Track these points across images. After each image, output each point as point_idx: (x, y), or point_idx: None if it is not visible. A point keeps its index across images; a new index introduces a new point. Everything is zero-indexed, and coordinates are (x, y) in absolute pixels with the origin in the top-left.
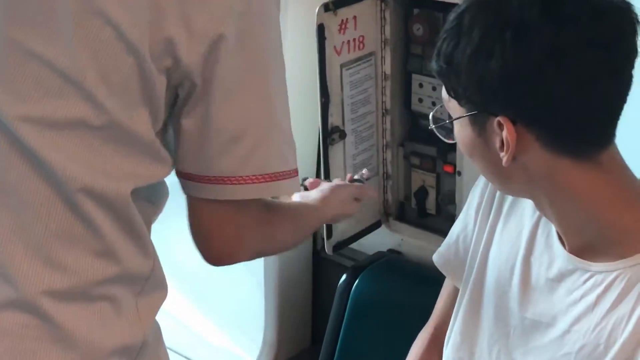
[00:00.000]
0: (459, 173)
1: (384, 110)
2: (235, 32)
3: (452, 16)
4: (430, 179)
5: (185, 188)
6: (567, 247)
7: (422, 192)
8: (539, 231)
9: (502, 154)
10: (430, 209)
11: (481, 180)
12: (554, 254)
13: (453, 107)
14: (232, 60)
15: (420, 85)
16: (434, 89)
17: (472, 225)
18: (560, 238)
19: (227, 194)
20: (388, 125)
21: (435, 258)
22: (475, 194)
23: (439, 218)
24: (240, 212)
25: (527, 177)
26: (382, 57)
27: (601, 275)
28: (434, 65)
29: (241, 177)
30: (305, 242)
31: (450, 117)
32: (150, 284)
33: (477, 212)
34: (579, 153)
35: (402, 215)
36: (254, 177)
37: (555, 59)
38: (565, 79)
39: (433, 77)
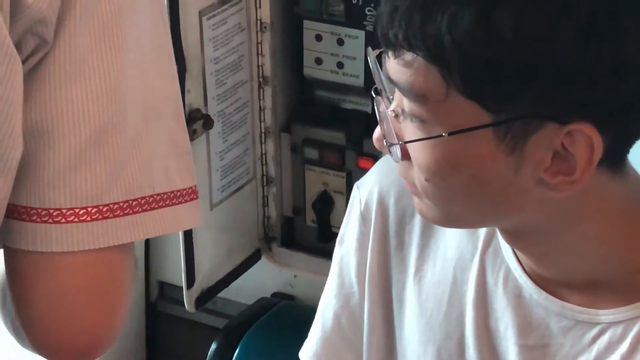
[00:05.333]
0: None
1: (260, 79)
2: None
3: None
4: (336, 181)
5: None
6: (552, 292)
7: (324, 202)
8: (489, 276)
9: (555, 179)
10: (337, 226)
11: (352, 222)
12: (527, 307)
13: (450, 109)
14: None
15: (318, 38)
16: (339, 42)
17: (357, 297)
18: (531, 279)
19: (70, 239)
20: (268, 102)
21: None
22: (349, 248)
23: None
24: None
25: (548, 205)
26: None
27: (619, 327)
28: (410, 37)
29: (97, 206)
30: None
31: (420, 123)
32: None
33: (360, 276)
34: (621, 161)
35: (290, 238)
36: (114, 206)
37: None
38: None
39: (339, 23)
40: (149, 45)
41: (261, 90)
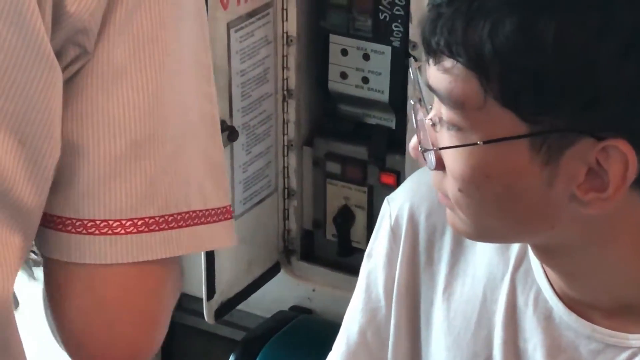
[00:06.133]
0: None
1: (285, 92)
2: None
3: None
4: (357, 196)
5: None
6: (582, 314)
7: (345, 216)
8: (520, 296)
9: (588, 196)
10: (357, 241)
11: (381, 236)
12: (557, 328)
13: (487, 118)
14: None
15: (344, 52)
16: (365, 57)
17: (384, 312)
18: (562, 301)
19: (103, 252)
20: (292, 115)
21: None
22: (377, 262)
23: None
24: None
25: (579, 222)
26: (283, 9)
27: None
28: (452, 43)
29: (132, 220)
30: None
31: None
32: None
33: (387, 292)
34: None
35: (310, 252)
36: (150, 220)
37: None
38: None
39: (365, 38)
40: (190, 61)
41: (285, 103)
